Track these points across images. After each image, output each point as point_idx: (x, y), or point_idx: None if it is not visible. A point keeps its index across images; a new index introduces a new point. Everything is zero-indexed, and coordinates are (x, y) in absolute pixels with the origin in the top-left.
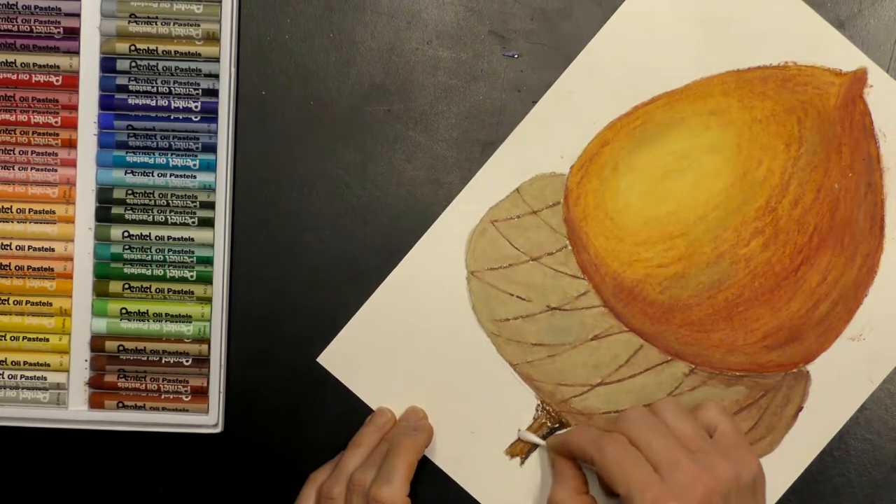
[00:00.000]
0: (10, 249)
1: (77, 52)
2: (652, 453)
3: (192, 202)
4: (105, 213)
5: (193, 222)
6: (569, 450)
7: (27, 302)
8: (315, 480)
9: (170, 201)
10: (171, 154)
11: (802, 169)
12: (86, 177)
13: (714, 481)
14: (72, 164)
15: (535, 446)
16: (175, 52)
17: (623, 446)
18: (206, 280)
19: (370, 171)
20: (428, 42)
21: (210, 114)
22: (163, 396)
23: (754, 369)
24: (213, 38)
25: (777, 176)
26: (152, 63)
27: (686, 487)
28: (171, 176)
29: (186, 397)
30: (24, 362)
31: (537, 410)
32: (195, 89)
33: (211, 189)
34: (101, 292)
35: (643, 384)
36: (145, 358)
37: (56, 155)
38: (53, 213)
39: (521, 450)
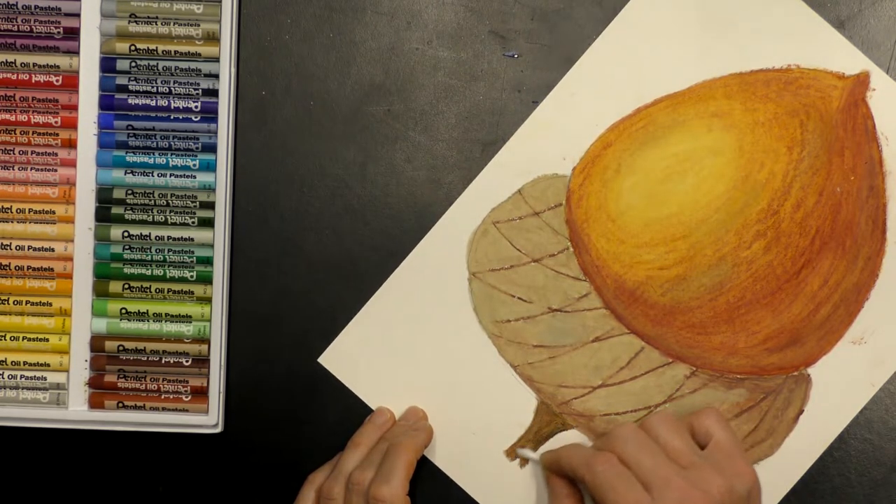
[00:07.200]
0: (10, 249)
1: (77, 52)
2: (643, 472)
3: (192, 202)
4: (105, 213)
5: (193, 222)
6: (560, 469)
7: (27, 302)
8: (314, 481)
9: (170, 201)
10: (171, 154)
11: (804, 172)
12: (86, 177)
13: (706, 498)
14: (72, 164)
15: (535, 448)
16: (175, 52)
17: (614, 466)
18: (206, 280)
19: (370, 171)
20: (428, 42)
21: (210, 114)
22: (163, 396)
23: (755, 372)
24: (213, 38)
25: (779, 179)
26: (152, 63)
27: None
28: (170, 176)
29: (186, 397)
30: (24, 362)
31: (537, 412)
32: (195, 89)
33: (211, 189)
34: (101, 292)
35: (644, 386)
36: (145, 358)
37: (56, 155)
38: (53, 213)
39: None
